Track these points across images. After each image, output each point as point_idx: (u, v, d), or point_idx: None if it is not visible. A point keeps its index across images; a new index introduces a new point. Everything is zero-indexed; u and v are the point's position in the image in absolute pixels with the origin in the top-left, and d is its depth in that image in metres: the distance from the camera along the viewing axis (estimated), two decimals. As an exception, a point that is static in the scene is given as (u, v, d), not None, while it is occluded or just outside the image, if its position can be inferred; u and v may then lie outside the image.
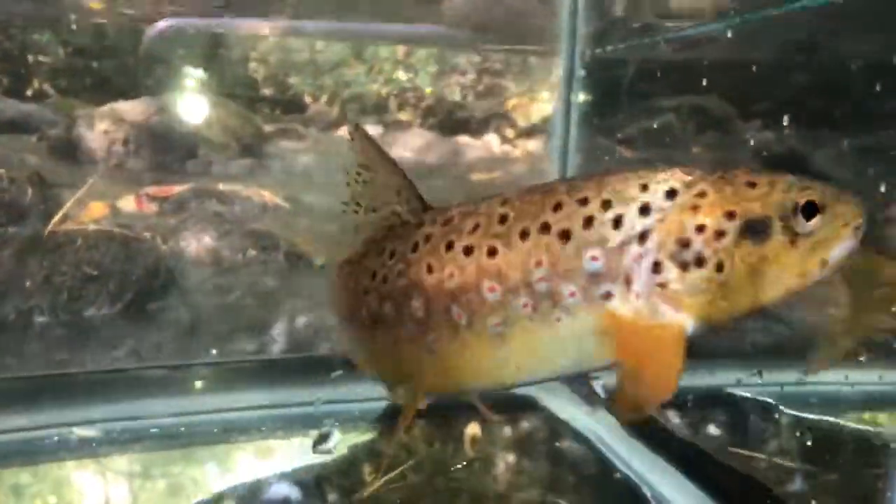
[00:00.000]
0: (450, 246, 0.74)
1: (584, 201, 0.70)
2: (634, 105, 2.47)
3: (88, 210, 2.15)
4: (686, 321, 0.67)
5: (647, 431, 1.10)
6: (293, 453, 1.10)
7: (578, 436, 1.15)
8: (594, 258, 0.67)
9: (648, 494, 1.02)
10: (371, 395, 1.11)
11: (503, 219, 0.72)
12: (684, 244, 0.66)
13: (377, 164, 0.82)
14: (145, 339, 1.41)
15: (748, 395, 1.22)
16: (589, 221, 0.69)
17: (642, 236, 0.67)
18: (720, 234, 0.65)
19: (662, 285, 0.66)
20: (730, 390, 1.25)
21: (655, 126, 3.05)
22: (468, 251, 0.72)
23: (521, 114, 3.41)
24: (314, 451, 1.04)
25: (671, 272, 0.66)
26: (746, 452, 1.06)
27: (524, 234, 0.70)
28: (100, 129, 2.89)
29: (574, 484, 1.07)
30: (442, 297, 0.72)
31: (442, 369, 0.74)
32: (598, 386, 1.13)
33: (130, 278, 1.54)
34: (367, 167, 0.83)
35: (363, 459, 1.05)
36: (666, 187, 0.68)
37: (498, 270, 0.70)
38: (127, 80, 3.15)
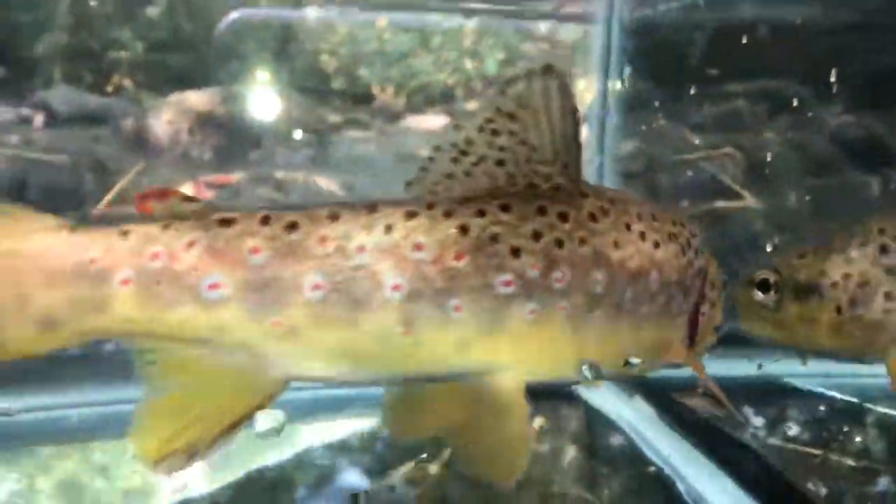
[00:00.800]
0: (628, 226, 0.67)
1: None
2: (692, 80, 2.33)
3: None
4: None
5: (687, 423, 1.01)
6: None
7: (613, 426, 1.06)
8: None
9: (682, 490, 0.93)
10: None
11: (653, 216, 0.74)
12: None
13: (552, 117, 0.71)
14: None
15: (806, 386, 1.11)
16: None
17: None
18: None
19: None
20: (786, 380, 1.14)
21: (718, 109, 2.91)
22: (643, 237, 0.69)
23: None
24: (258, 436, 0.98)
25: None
26: (807, 449, 0.97)
27: (671, 237, 0.72)
28: (165, 118, 2.92)
29: (605, 476, 0.99)
30: (623, 275, 0.66)
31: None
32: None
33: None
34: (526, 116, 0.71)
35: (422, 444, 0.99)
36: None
37: (661, 264, 0.68)
38: (201, 73, 3.20)
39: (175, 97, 2.99)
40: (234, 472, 0.94)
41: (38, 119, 3.32)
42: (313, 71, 4.39)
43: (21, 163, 1.97)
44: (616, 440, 1.04)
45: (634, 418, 1.07)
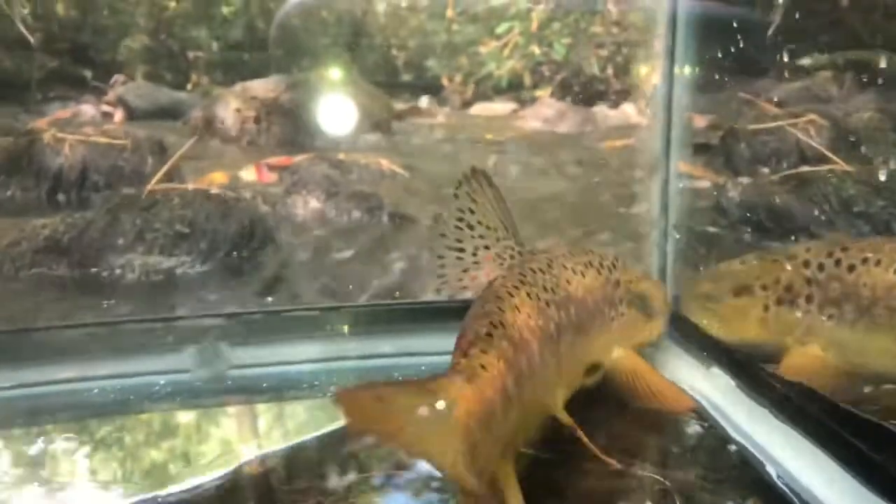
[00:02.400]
0: (565, 266, 0.87)
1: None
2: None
3: (208, 179, 2.10)
4: None
5: (776, 394, 0.83)
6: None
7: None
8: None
9: (773, 473, 0.76)
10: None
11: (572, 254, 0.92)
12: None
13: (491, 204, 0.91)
14: (229, 294, 1.31)
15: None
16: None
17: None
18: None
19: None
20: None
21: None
22: (574, 270, 0.88)
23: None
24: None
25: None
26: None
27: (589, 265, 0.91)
28: (233, 107, 2.87)
29: (679, 457, 0.82)
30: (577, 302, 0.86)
31: None
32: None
33: (223, 236, 1.43)
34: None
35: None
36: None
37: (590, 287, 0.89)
38: (274, 70, 3.17)
39: (240, 86, 2.94)
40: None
41: (118, 114, 3.35)
42: (383, 64, 4.33)
43: (86, 147, 1.93)
44: (691, 416, 0.87)
45: (711, 391, 0.89)
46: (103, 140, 1.96)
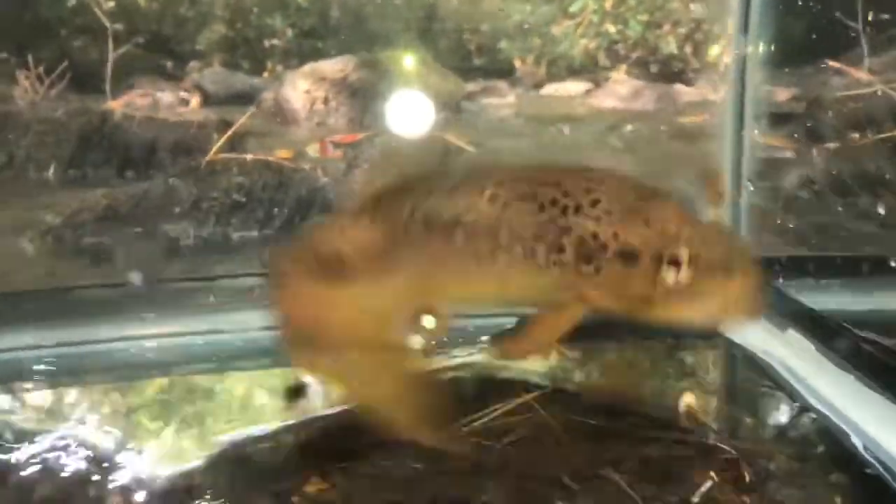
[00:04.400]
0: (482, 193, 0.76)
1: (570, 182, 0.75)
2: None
3: (275, 154, 2.09)
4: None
5: (861, 358, 0.73)
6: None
7: (761, 365, 0.81)
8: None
9: (859, 444, 0.66)
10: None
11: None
12: (581, 243, 0.70)
13: None
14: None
15: None
16: (553, 202, 0.73)
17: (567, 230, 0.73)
18: (604, 247, 0.69)
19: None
20: None
21: None
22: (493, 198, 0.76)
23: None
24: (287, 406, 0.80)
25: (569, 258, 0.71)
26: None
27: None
28: (302, 88, 2.87)
29: (750, 426, 0.74)
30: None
31: None
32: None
33: (280, 206, 1.41)
34: None
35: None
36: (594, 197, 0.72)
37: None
38: (343, 52, 3.17)
39: (309, 67, 2.93)
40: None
41: (194, 100, 3.41)
42: (456, 48, 4.27)
43: (155, 124, 1.95)
44: (765, 382, 0.78)
45: (788, 355, 0.80)
46: (172, 118, 1.97)
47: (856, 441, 0.67)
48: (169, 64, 3.82)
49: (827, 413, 0.70)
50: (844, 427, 0.68)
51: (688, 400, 0.78)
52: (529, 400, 0.79)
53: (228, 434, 0.73)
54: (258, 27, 4.12)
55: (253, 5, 4.20)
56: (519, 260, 0.70)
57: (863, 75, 2.37)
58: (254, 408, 0.82)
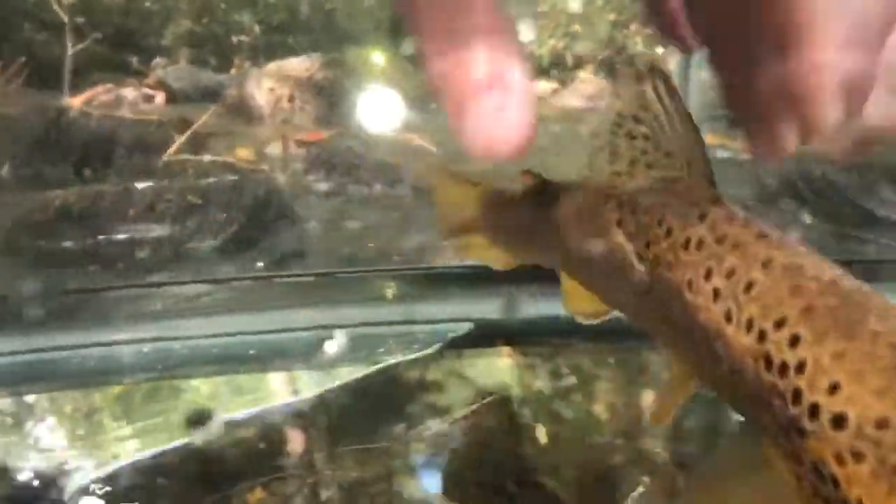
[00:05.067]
0: (708, 275, 0.46)
1: (814, 349, 0.40)
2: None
3: (234, 155, 2.08)
4: None
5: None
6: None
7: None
8: (777, 406, 0.39)
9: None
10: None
11: (749, 287, 0.43)
12: (816, 472, 0.38)
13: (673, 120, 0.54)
14: (238, 265, 1.28)
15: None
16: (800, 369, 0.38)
17: (802, 431, 0.38)
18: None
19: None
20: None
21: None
22: (716, 295, 0.45)
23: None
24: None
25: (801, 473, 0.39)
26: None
27: (750, 326, 0.42)
28: (266, 86, 2.85)
29: (687, 432, 0.76)
30: (683, 323, 0.46)
31: None
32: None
33: (237, 208, 1.40)
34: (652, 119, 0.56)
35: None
36: (870, 413, 0.36)
37: (726, 342, 0.42)
38: (313, 49, 3.15)
39: (275, 65, 2.91)
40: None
41: (159, 97, 3.37)
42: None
43: (114, 121, 1.93)
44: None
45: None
46: (130, 116, 1.95)
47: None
48: (134, 60, 3.79)
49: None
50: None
51: (642, 404, 0.80)
52: (477, 408, 0.81)
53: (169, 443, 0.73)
54: (225, 23, 4.09)
55: (220, 0, 4.17)
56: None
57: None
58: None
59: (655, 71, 0.53)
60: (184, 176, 1.39)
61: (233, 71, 3.98)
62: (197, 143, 1.93)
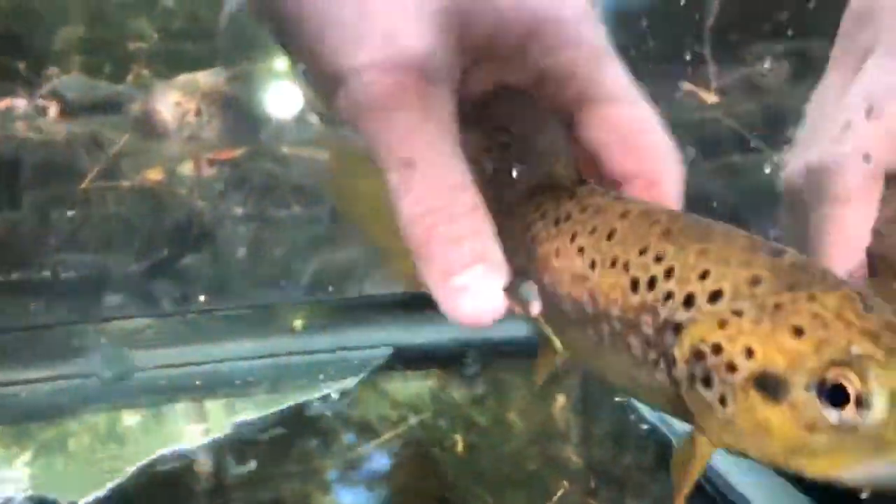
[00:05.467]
0: (573, 237, 0.57)
1: (658, 259, 0.52)
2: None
3: (144, 175, 2.10)
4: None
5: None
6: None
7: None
8: (647, 323, 0.51)
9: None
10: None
11: (611, 234, 0.56)
12: (698, 356, 0.48)
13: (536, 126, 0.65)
14: (166, 293, 1.32)
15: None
16: (651, 283, 0.51)
17: (676, 328, 0.49)
18: (732, 367, 0.46)
19: (677, 382, 0.49)
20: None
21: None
22: (581, 251, 0.56)
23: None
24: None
25: (682, 374, 0.49)
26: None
27: (614, 263, 0.54)
28: (172, 100, 2.85)
29: (598, 437, 0.87)
30: (554, 287, 0.58)
31: None
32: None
33: (158, 233, 1.44)
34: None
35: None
36: (713, 287, 0.48)
37: (591, 289, 0.55)
38: (217, 61, 3.13)
39: (183, 78, 2.92)
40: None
41: (52, 108, 3.29)
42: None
43: (17, 143, 1.91)
44: (615, 399, 0.93)
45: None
46: (35, 136, 1.94)
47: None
48: (21, 66, 3.66)
49: (658, 424, 0.85)
50: (671, 436, 0.83)
51: (553, 409, 0.90)
52: (413, 425, 0.90)
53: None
54: (120, 28, 4.00)
55: (114, 4, 4.07)
56: (610, 345, 0.54)
57: (709, 97, 2.60)
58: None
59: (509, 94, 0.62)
60: (103, 203, 1.41)
61: (129, 79, 3.91)
62: (108, 166, 1.95)
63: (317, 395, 0.98)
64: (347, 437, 0.90)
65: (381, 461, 0.82)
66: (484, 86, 0.58)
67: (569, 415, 0.91)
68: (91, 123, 2.48)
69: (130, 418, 0.93)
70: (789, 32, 2.63)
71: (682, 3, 2.43)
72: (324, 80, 0.53)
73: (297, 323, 1.10)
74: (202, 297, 1.28)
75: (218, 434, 0.88)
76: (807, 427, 0.44)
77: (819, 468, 0.45)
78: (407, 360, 1.02)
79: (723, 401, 0.47)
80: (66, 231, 1.35)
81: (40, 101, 3.35)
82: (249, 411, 0.95)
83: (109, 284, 1.31)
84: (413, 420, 0.90)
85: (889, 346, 0.42)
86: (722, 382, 0.47)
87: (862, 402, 0.42)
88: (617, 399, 0.92)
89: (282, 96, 2.94)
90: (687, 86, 2.72)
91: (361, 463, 0.82)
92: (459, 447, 0.84)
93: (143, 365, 0.95)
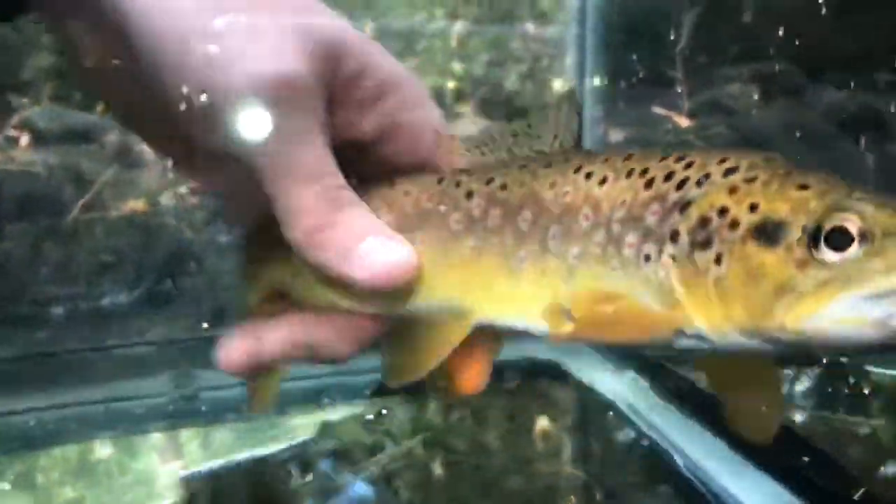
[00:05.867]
0: (578, 169, 0.63)
1: (679, 159, 0.60)
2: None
3: (127, 206, 2.11)
4: (684, 306, 0.53)
5: (686, 395, 0.94)
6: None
7: (606, 403, 0.99)
8: (654, 213, 0.57)
9: (681, 464, 0.86)
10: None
11: (628, 158, 0.64)
12: (703, 223, 0.54)
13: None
14: (156, 324, 1.34)
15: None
16: (669, 176, 0.58)
17: (686, 205, 0.56)
18: (735, 223, 0.52)
19: (674, 258, 0.55)
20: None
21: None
22: (588, 175, 0.62)
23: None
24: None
25: (682, 246, 0.54)
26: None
27: (630, 173, 0.60)
28: (150, 129, 2.85)
29: (598, 453, 0.92)
30: (549, 214, 0.62)
31: (517, 292, 0.63)
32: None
33: (149, 265, 1.47)
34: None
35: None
36: (730, 165, 0.57)
37: (597, 200, 0.60)
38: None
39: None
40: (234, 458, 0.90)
41: (24, 139, 3.28)
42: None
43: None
44: (610, 416, 0.97)
45: (627, 392, 1.00)
46: (12, 168, 1.95)
47: (678, 460, 0.86)
48: (-8, 96, 3.64)
49: (656, 439, 0.89)
50: (669, 450, 0.88)
51: (542, 424, 0.94)
52: (413, 445, 0.93)
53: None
54: (91, 57, 4.00)
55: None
56: (591, 251, 0.59)
57: (682, 120, 2.68)
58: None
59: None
60: (91, 233, 1.43)
61: (99, 109, 3.91)
62: (91, 198, 1.97)
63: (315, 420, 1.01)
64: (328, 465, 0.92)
65: (392, 477, 0.85)
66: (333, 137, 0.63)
67: (574, 435, 0.96)
68: (68, 154, 2.49)
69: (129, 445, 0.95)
70: (757, 55, 2.71)
71: (654, 27, 2.51)
72: (188, 102, 0.56)
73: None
74: (205, 325, 1.30)
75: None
76: (799, 266, 0.49)
77: (806, 308, 0.48)
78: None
79: (718, 259, 0.52)
80: (55, 262, 1.37)
81: (12, 132, 3.34)
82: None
83: (104, 313, 1.33)
84: (419, 438, 0.93)
85: (882, 201, 0.49)
86: (721, 241, 0.53)
87: (866, 237, 0.47)
88: (615, 420, 0.97)
89: (265, 122, 2.96)
90: (660, 109, 2.79)
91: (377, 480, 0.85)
92: (462, 467, 0.87)
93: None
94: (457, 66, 4.03)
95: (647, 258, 0.56)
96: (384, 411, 1.04)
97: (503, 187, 0.64)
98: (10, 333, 1.33)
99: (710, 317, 0.52)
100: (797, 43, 2.31)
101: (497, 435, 0.89)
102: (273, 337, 0.64)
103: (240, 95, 0.55)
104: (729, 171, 0.55)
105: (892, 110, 2.17)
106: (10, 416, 0.95)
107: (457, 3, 3.91)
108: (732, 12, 2.43)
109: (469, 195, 0.66)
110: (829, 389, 0.97)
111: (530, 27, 3.95)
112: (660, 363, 0.99)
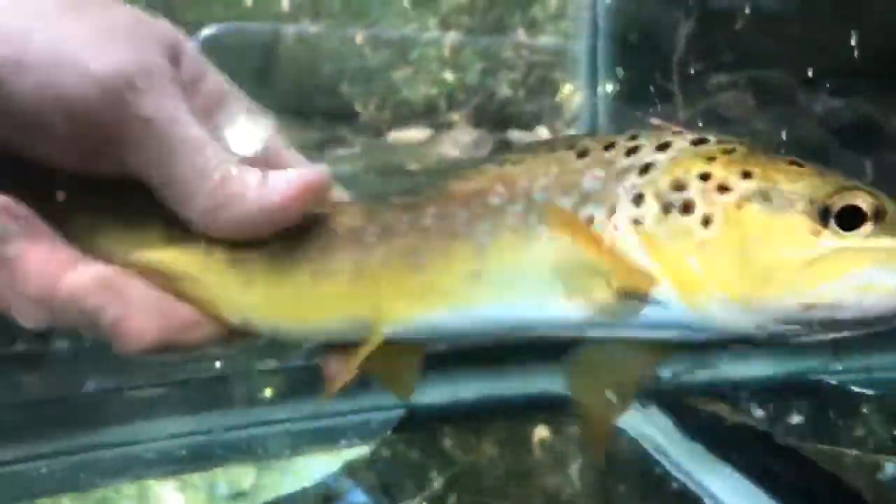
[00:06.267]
0: (497, 161, 0.61)
1: (624, 137, 0.59)
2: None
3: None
4: (655, 273, 0.51)
5: (710, 431, 0.93)
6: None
7: (628, 439, 0.99)
8: (595, 176, 0.55)
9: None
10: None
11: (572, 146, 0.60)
12: (678, 187, 0.52)
13: None
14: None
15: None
16: (610, 146, 0.57)
17: (646, 168, 0.54)
18: (724, 188, 0.51)
19: (637, 222, 0.53)
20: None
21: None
22: (503, 162, 0.60)
23: (567, 105, 3.28)
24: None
25: (650, 209, 0.52)
26: (830, 447, 0.91)
27: (555, 150, 0.58)
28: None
29: (623, 495, 0.91)
30: (455, 203, 0.59)
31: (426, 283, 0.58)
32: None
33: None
34: None
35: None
36: (697, 137, 0.57)
37: (512, 177, 0.57)
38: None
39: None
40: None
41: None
42: (295, 91, 4.33)
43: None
44: (633, 455, 0.97)
45: (651, 430, 0.99)
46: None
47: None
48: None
49: (684, 480, 0.89)
50: (698, 492, 0.87)
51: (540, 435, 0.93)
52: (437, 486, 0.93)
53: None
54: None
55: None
56: (506, 223, 0.56)
57: (678, 130, 2.69)
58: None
59: None
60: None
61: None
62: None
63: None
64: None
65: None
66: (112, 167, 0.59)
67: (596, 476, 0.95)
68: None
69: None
70: (750, 62, 2.72)
71: (649, 38, 2.52)
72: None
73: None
74: (217, 363, 1.29)
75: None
76: (813, 233, 0.48)
77: (819, 276, 0.47)
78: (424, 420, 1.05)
79: (706, 221, 0.51)
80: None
81: None
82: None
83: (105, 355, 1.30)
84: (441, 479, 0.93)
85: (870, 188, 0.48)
86: (709, 204, 0.51)
87: (879, 214, 0.47)
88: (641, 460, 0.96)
89: (247, 137, 2.95)
90: (656, 120, 2.80)
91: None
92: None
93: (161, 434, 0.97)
94: (449, 76, 4.03)
95: (589, 222, 0.54)
96: (402, 447, 1.03)
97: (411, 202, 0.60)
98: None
99: (685, 283, 0.50)
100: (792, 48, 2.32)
101: (523, 471, 0.88)
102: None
103: (97, 89, 0.52)
104: (697, 143, 0.55)
105: (888, 117, 2.19)
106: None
107: (449, 12, 3.91)
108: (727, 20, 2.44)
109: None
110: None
111: (523, 36, 3.95)
112: (680, 397, 0.99)
